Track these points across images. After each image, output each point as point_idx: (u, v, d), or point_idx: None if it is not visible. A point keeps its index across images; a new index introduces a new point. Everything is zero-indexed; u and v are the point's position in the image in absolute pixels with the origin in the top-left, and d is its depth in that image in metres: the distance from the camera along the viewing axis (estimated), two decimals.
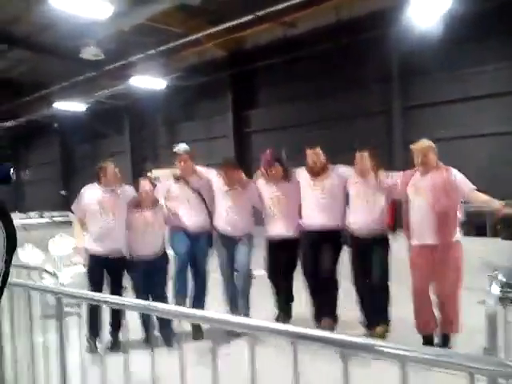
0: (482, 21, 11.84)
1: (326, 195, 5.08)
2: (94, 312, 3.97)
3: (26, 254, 6.33)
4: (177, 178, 5.52)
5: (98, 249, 4.86)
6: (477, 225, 12.16)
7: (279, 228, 5.32)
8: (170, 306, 1.95)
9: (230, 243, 5.41)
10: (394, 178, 4.86)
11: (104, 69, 16.34)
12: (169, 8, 11.92)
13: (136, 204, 5.06)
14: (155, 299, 4.93)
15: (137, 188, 5.15)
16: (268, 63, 16.68)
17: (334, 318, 5.08)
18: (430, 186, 4.42)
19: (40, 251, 6.70)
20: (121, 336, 4.49)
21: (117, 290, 4.84)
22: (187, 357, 1.89)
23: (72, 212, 5.21)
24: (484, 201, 4.44)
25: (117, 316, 4.52)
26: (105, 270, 4.91)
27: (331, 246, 5.07)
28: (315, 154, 5.20)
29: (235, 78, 18.21)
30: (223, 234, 5.43)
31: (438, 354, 1.32)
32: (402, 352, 1.36)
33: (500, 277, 2.19)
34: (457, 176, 4.46)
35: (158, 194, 5.31)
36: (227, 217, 5.35)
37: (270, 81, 17.63)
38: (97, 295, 2.37)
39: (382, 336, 4.67)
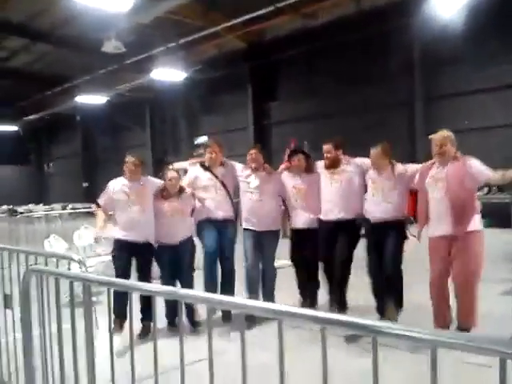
0: (506, 9, 11.62)
1: (341, 187, 5.18)
2: (119, 297, 4.06)
3: (50, 244, 6.44)
4: (204, 168, 5.61)
5: (126, 238, 4.98)
6: (501, 216, 12.03)
7: (304, 218, 5.41)
8: (200, 293, 1.97)
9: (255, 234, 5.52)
10: (411, 169, 4.87)
11: (125, 62, 16.48)
12: (188, 1, 11.94)
13: (162, 193, 5.16)
14: (182, 285, 5.02)
15: (162, 178, 5.25)
16: (288, 55, 16.62)
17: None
18: (447, 177, 4.39)
19: (64, 242, 6.81)
20: (150, 323, 4.59)
21: (145, 277, 4.94)
22: (216, 343, 1.91)
23: (97, 204, 5.29)
24: (500, 177, 4.30)
25: (146, 303, 4.64)
26: (133, 257, 5.03)
27: (347, 236, 5.16)
28: (326, 150, 5.29)
29: (255, 71, 18.18)
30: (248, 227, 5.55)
31: (468, 338, 1.31)
32: (432, 337, 1.36)
33: None
34: (472, 166, 4.35)
35: (186, 182, 5.41)
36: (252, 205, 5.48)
37: (289, 73, 17.57)
38: (125, 282, 2.40)
39: (393, 318, 4.73)
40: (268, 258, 5.50)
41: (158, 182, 5.34)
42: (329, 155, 5.28)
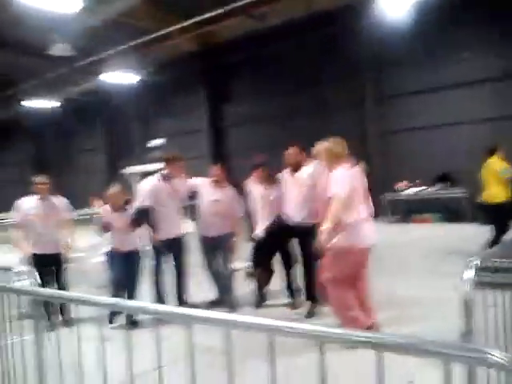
0: (454, 8, 12.04)
1: (301, 190, 5.31)
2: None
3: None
4: (166, 178, 5.71)
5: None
6: (455, 211, 12.48)
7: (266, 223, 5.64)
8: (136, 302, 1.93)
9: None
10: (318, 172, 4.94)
11: (75, 65, 16.06)
12: (139, 2, 11.76)
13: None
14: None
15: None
16: (240, 57, 16.64)
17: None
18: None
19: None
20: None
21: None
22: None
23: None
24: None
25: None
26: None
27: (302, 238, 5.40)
28: (287, 153, 5.45)
29: (208, 72, 18.15)
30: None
31: (411, 341, 1.33)
32: (375, 339, 1.37)
33: (476, 261, 2.21)
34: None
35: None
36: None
37: (242, 74, 17.61)
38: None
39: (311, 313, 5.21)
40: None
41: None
42: (291, 158, 5.38)
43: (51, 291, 2.56)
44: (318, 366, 1.48)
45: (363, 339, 1.37)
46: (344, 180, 4.07)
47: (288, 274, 5.67)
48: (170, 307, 1.79)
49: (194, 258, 6.02)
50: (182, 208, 5.85)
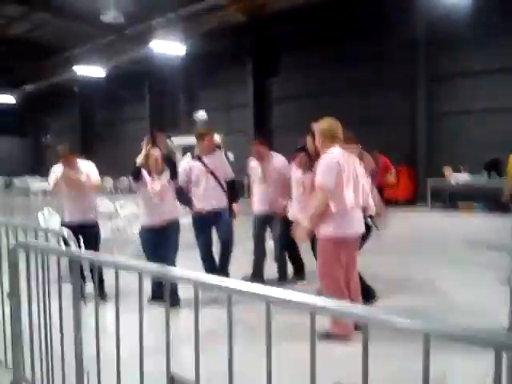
0: None
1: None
2: None
3: (44, 218, 6.37)
4: (196, 157, 5.60)
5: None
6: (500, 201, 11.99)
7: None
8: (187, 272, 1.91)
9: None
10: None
11: (124, 32, 16.20)
12: None
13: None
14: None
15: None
16: (289, 30, 16.34)
17: None
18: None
19: (58, 216, 6.74)
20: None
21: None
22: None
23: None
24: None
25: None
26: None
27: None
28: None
29: (256, 45, 17.94)
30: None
31: (463, 328, 1.26)
32: (426, 327, 1.31)
33: None
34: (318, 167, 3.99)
35: (180, 178, 5.37)
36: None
37: (291, 49, 17.28)
38: (111, 259, 2.35)
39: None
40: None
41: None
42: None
43: (90, 253, 2.57)
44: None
45: (412, 326, 1.32)
46: (331, 170, 3.87)
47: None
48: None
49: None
50: (225, 182, 5.70)
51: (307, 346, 1.58)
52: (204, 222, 5.54)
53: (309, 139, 5.05)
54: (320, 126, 4.06)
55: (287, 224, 5.17)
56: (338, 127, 4.04)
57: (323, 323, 3.86)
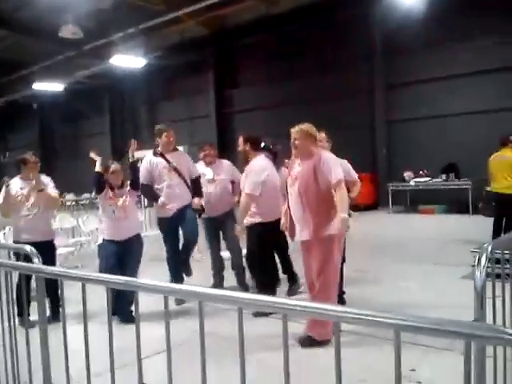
0: None
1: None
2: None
3: (4, 236, 6.29)
4: (158, 154, 5.50)
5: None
6: (460, 202, 12.34)
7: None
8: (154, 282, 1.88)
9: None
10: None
11: (84, 48, 15.97)
12: None
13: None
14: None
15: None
16: (250, 42, 16.46)
17: None
18: (299, 176, 3.97)
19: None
20: None
21: None
22: None
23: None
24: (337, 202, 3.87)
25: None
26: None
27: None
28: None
29: (217, 58, 18.03)
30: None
31: (433, 321, 1.28)
32: (396, 321, 1.33)
33: (485, 252, 2.15)
34: (324, 163, 3.91)
35: (141, 175, 5.26)
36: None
37: (251, 60, 17.40)
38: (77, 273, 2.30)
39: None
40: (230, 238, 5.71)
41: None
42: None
43: (56, 268, 2.51)
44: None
45: (386, 321, 1.34)
46: (337, 164, 4.05)
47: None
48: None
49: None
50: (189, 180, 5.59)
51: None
52: (170, 225, 5.48)
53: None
54: (302, 128, 4.10)
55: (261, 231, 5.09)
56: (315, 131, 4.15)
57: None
